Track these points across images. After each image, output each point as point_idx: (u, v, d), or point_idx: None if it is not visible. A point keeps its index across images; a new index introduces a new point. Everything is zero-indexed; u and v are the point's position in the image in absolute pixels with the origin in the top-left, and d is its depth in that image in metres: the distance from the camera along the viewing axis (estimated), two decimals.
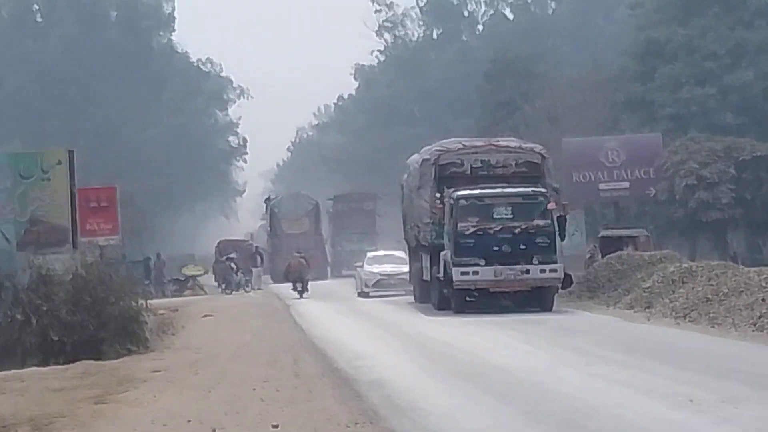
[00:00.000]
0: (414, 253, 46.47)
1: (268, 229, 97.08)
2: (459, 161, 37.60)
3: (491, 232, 34.43)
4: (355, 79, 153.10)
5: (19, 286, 33.68)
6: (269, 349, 30.98)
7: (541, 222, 34.65)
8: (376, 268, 53.05)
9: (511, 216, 34.53)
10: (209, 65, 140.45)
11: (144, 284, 52.67)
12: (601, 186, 71.84)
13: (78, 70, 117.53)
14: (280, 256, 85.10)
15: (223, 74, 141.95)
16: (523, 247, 34.42)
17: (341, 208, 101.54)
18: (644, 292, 39.00)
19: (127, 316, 34.16)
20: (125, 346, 32.22)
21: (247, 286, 74.31)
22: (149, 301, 41.82)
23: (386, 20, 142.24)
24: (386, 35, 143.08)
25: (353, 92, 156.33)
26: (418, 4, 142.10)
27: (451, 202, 35.79)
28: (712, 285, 35.44)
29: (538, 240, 34.39)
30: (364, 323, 41.07)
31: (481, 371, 25.24)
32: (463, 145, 39.09)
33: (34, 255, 41.28)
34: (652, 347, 28.05)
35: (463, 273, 34.21)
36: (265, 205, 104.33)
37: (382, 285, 51.32)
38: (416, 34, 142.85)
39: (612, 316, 37.54)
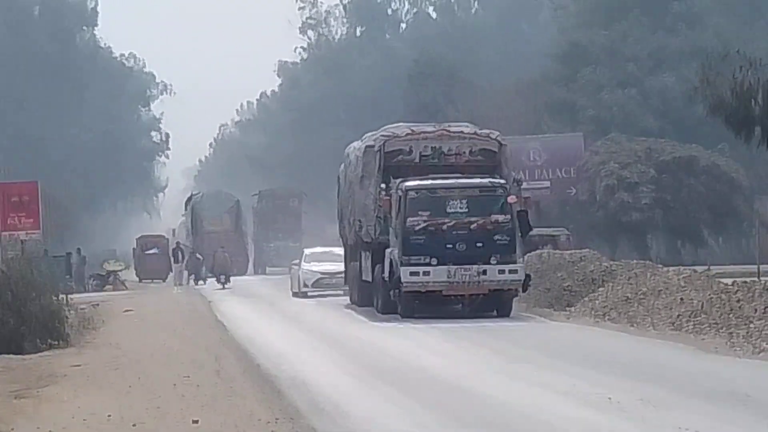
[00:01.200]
0: (352, 251, 42.23)
1: (189, 226, 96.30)
2: (407, 149, 33.72)
3: (444, 228, 30.88)
4: (278, 76, 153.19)
5: None
6: (190, 347, 30.90)
7: (500, 217, 31.12)
8: (316, 267, 49.87)
9: (466, 210, 30.87)
10: (132, 61, 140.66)
11: (65, 279, 52.60)
12: (522, 186, 71.77)
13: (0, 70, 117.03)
14: (201, 252, 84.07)
15: (147, 70, 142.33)
16: (479, 245, 30.99)
17: (266, 204, 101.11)
18: (564, 291, 38.55)
19: (48, 312, 34.11)
20: (46, 341, 32.23)
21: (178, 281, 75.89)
22: (70, 297, 41.82)
23: (310, 17, 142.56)
24: (309, 32, 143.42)
25: (276, 89, 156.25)
26: (341, 1, 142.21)
27: (400, 194, 31.76)
28: (631, 285, 35.36)
29: (496, 237, 30.94)
30: (289, 324, 40.99)
31: (405, 374, 25.31)
32: (412, 130, 35.21)
33: None
34: (571, 347, 27.83)
35: (412, 273, 30.73)
36: (186, 206, 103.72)
37: (322, 284, 48.47)
38: (339, 32, 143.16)
39: (533, 314, 36.81)
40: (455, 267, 30.37)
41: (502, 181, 32.52)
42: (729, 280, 35.75)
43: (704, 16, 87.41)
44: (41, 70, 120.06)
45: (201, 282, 77.72)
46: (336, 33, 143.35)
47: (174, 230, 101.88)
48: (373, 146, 34.29)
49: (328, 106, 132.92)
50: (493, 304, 31.88)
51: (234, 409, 19.53)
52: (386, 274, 33.03)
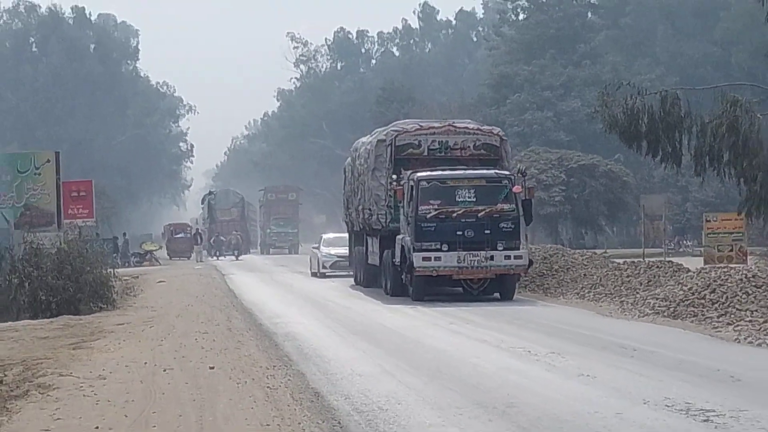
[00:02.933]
0: (357, 237, 38.31)
1: (206, 216, 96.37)
2: (416, 142, 30.45)
3: (454, 216, 27.44)
4: (277, 100, 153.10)
5: (15, 257, 33.57)
6: (208, 308, 30.92)
7: (505, 206, 27.73)
8: (333, 250, 45.81)
9: (474, 199, 27.58)
10: (165, 87, 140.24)
11: (113, 257, 52.41)
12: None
13: (62, 91, 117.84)
14: (214, 238, 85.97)
15: (176, 94, 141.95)
16: (487, 232, 27.53)
17: (270, 197, 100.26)
18: None
19: (98, 282, 34.18)
20: (97, 304, 32.27)
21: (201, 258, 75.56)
22: (116, 270, 41.84)
23: (302, 54, 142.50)
24: (302, 66, 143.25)
25: (275, 110, 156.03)
26: (326, 42, 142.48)
27: (412, 184, 28.34)
28: (546, 263, 35.19)
29: (502, 225, 27.55)
30: (285, 292, 40.82)
31: (375, 332, 24.93)
32: (420, 125, 32.02)
33: (28, 233, 41.27)
34: (498, 312, 27.03)
35: (424, 259, 27.33)
36: (203, 201, 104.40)
37: (338, 266, 44.17)
38: (324, 66, 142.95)
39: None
40: (464, 252, 27.43)
41: (507, 172, 29.62)
42: (620, 260, 35.80)
43: (603, 55, 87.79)
44: (94, 92, 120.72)
45: (222, 257, 79.45)
46: (321, 67, 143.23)
47: (196, 219, 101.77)
48: (384, 140, 31.22)
49: (315, 122, 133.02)
50: (497, 288, 29.05)
51: (241, 357, 19.60)
52: (398, 259, 29.77)
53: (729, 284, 25.88)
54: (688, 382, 15.74)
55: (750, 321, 23.09)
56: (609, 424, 12.95)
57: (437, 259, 27.33)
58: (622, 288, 29.40)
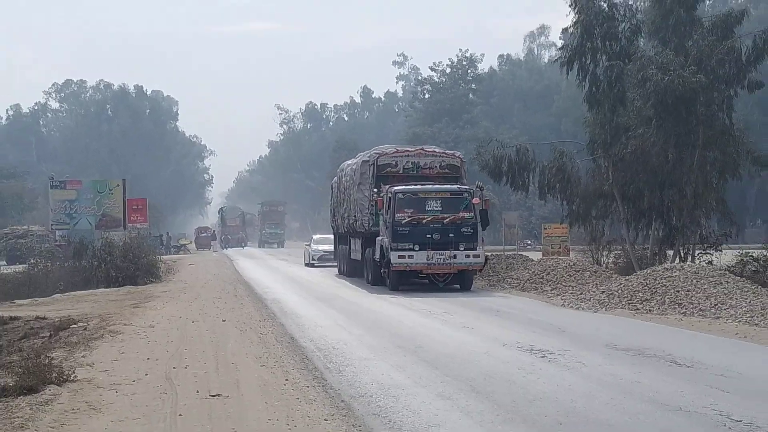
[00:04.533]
0: (341, 238, 34.88)
1: (219, 223, 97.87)
2: (394, 162, 27.96)
3: (424, 222, 24.92)
4: (268, 147, 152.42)
5: (95, 248, 33.41)
6: (222, 283, 30.78)
7: (466, 215, 25.18)
8: (321, 247, 42.73)
9: (440, 209, 25.22)
10: (195, 138, 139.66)
11: (159, 248, 52.28)
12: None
13: (127, 140, 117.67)
14: (226, 237, 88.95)
15: (202, 143, 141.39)
16: (451, 235, 24.94)
17: (265, 209, 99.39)
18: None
19: (150, 264, 34.28)
20: (149, 279, 32.29)
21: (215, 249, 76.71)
22: (162, 257, 41.75)
23: (284, 118, 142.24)
24: (284, 126, 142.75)
25: (267, 154, 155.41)
26: (300, 110, 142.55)
27: (390, 195, 25.83)
28: None
29: (463, 230, 24.98)
30: (273, 272, 40.79)
31: (342, 301, 24.85)
32: (397, 149, 29.63)
33: (104, 232, 41.50)
34: (445, 296, 25.71)
35: (400, 256, 24.88)
36: (218, 213, 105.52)
37: (323, 259, 41.10)
38: (299, 126, 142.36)
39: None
40: (432, 252, 24.76)
41: (467, 187, 26.85)
42: (488, 253, 35.79)
43: (479, 122, 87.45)
44: (148, 142, 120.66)
45: (230, 248, 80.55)
46: (297, 126, 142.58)
47: (214, 224, 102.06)
48: (368, 161, 28.64)
49: (293, 162, 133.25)
50: (458, 281, 26.06)
51: (243, 313, 19.58)
52: (377, 256, 26.97)
53: (558, 269, 26.21)
54: (532, 332, 15.89)
55: (571, 293, 23.32)
56: (480, 358, 13.05)
57: (410, 257, 24.82)
58: (490, 271, 29.13)
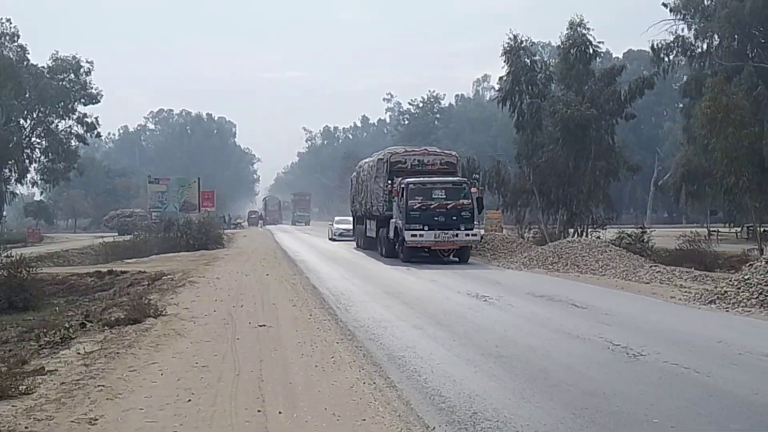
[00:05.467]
0: (359, 220, 31.03)
1: (263, 208, 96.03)
2: (403, 160, 24.92)
3: (431, 207, 22.08)
4: (297, 156, 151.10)
5: (179, 224, 33.21)
6: (266, 250, 30.62)
7: (465, 201, 22.28)
8: (340, 226, 38.95)
9: (444, 197, 22.33)
10: (249, 150, 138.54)
11: (223, 225, 51.96)
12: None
13: (201, 151, 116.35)
14: (267, 218, 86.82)
15: (253, 153, 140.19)
16: (453, 218, 22.14)
17: (296, 198, 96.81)
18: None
19: (216, 235, 34.11)
20: (216, 246, 31.98)
21: (261, 226, 75.81)
22: (225, 230, 41.47)
23: (308, 137, 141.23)
24: (308, 142, 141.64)
25: (296, 161, 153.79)
26: (319, 131, 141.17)
27: (403, 186, 22.78)
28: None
29: (463, 213, 22.18)
30: (302, 243, 40.54)
31: (354, 264, 23.81)
32: (406, 149, 26.50)
33: (185, 214, 41.17)
34: (443, 266, 22.07)
35: (412, 235, 22.01)
36: (263, 201, 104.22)
37: (343, 235, 37.07)
38: (319, 142, 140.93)
39: (476, 261, 26.79)
40: (439, 231, 21.89)
41: (466, 179, 23.96)
42: None
43: (442, 140, 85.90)
44: (215, 152, 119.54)
45: (270, 225, 78.52)
46: (317, 142, 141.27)
47: (260, 209, 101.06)
48: (383, 158, 25.60)
49: (314, 167, 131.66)
50: (458, 255, 22.68)
51: (280, 270, 19.44)
52: (392, 235, 23.80)
53: (494, 242, 26.06)
54: (477, 284, 15.82)
55: (504, 258, 23.26)
56: (442, 299, 13.01)
57: (421, 235, 21.99)
58: None
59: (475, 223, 22.87)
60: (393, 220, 23.59)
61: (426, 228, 21.98)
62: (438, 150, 26.60)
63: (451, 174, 24.14)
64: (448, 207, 22.04)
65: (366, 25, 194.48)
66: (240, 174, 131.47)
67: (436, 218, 21.92)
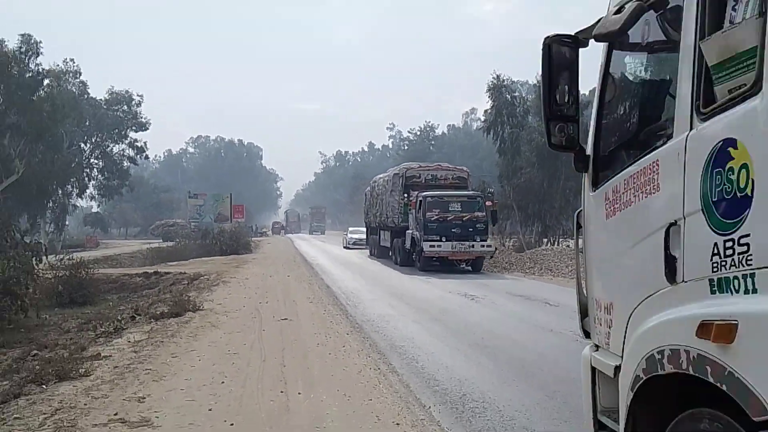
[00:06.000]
0: (373, 230, 28.55)
1: (285, 219, 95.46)
2: (418, 175, 22.83)
3: (448, 219, 19.86)
4: (314, 176, 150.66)
5: (214, 232, 33.11)
6: (287, 255, 30.52)
7: (479, 214, 20.08)
8: (354, 236, 37.01)
9: (460, 209, 20.11)
10: (273, 170, 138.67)
11: (251, 234, 51.87)
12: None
13: (232, 171, 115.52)
14: (288, 228, 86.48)
15: (276, 172, 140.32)
16: (469, 229, 19.85)
17: (313, 211, 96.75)
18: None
19: (245, 242, 33.84)
20: (245, 251, 31.74)
21: (283, 234, 75.12)
22: (252, 238, 41.35)
23: (323, 159, 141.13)
24: (323, 164, 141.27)
25: (313, 179, 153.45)
26: (333, 155, 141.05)
27: (420, 199, 20.41)
28: None
29: (478, 226, 19.95)
30: (316, 249, 40.46)
31: (363, 269, 23.26)
32: (420, 165, 24.57)
33: (219, 224, 41.00)
34: (454, 274, 20.65)
35: (431, 246, 19.69)
36: (284, 214, 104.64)
37: (356, 244, 35.11)
38: (332, 164, 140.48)
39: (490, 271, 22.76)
40: (455, 242, 19.66)
41: (479, 193, 21.70)
42: None
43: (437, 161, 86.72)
44: (245, 173, 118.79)
45: (292, 234, 77.91)
46: (331, 164, 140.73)
47: (282, 220, 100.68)
48: (398, 173, 23.49)
49: (327, 185, 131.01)
50: (473, 264, 20.45)
51: (299, 272, 19.37)
52: (408, 245, 21.49)
53: None
54: (467, 286, 15.74)
55: (488, 263, 22.56)
56: (437, 299, 12.95)
57: (439, 246, 19.77)
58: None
59: (489, 234, 21.06)
60: (409, 231, 21.53)
61: (443, 239, 20.05)
62: (450, 166, 24.78)
63: (462, 188, 22.36)
64: (464, 219, 20.14)
65: (373, 61, 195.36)
66: (265, 191, 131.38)
67: (452, 230, 20.06)
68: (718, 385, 1.98)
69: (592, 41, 2.82)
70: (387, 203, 24.49)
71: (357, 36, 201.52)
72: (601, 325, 2.96)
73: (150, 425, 5.07)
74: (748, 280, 1.97)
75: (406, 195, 22.18)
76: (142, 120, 50.57)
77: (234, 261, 24.83)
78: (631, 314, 2.56)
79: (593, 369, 2.96)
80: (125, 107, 49.80)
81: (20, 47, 34.26)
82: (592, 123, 3.00)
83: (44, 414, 5.38)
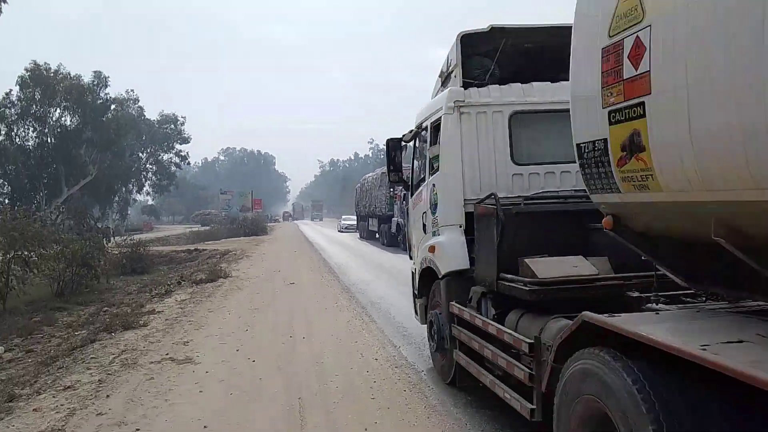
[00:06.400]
0: (362, 218, 26.54)
1: (292, 210, 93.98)
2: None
3: None
4: (313, 177, 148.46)
5: (239, 219, 32.37)
6: (294, 237, 30.25)
7: None
8: (346, 222, 34.33)
9: None
10: (283, 174, 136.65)
11: (266, 220, 51.01)
12: None
13: (253, 177, 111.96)
14: (294, 216, 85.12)
15: (286, 175, 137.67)
16: None
17: (314, 203, 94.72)
18: None
19: (262, 227, 33.34)
20: (262, 233, 31.22)
21: (290, 221, 73.18)
22: (267, 224, 40.86)
23: (320, 165, 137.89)
24: (320, 168, 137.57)
25: (313, 180, 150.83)
26: (327, 162, 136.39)
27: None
28: None
29: None
30: (316, 232, 40.03)
31: (351, 248, 22.00)
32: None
33: (243, 213, 40.51)
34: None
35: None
36: (291, 205, 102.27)
37: (348, 228, 32.52)
38: (327, 169, 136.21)
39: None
40: None
41: None
42: None
43: None
44: (262, 177, 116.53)
45: (298, 221, 76.28)
46: (326, 169, 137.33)
47: (289, 210, 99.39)
48: (385, 173, 15.50)
49: (323, 185, 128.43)
50: None
51: (303, 249, 19.22)
52: (393, 229, 18.97)
53: None
54: None
55: None
56: (408, 268, 12.93)
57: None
58: None
59: None
60: (395, 219, 19.30)
61: None
62: None
63: None
64: None
65: (358, 95, 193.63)
66: (277, 188, 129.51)
67: None
68: (431, 267, 4.27)
69: (404, 140, 4.98)
70: (375, 197, 23.30)
71: (344, 77, 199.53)
72: (413, 253, 5.14)
73: (192, 362, 5.09)
74: (437, 231, 4.23)
75: (392, 190, 20.33)
76: (185, 136, 50.32)
77: (254, 241, 24.49)
78: (418, 247, 4.73)
79: (412, 272, 5.18)
80: (172, 126, 49.64)
81: (93, 80, 34.38)
82: (412, 170, 5.11)
83: (113, 354, 5.42)
